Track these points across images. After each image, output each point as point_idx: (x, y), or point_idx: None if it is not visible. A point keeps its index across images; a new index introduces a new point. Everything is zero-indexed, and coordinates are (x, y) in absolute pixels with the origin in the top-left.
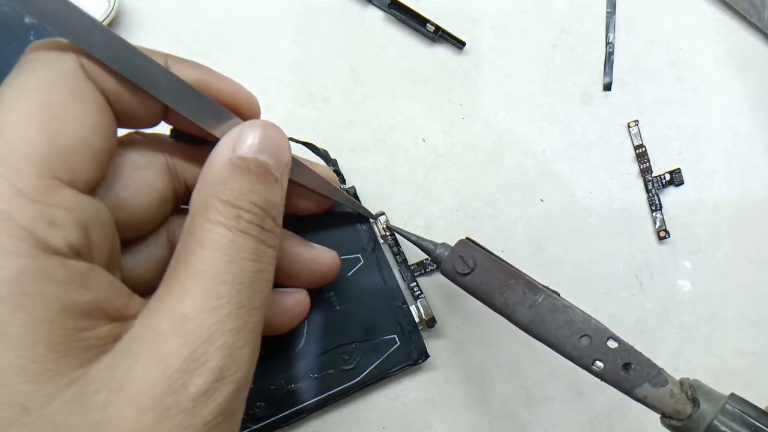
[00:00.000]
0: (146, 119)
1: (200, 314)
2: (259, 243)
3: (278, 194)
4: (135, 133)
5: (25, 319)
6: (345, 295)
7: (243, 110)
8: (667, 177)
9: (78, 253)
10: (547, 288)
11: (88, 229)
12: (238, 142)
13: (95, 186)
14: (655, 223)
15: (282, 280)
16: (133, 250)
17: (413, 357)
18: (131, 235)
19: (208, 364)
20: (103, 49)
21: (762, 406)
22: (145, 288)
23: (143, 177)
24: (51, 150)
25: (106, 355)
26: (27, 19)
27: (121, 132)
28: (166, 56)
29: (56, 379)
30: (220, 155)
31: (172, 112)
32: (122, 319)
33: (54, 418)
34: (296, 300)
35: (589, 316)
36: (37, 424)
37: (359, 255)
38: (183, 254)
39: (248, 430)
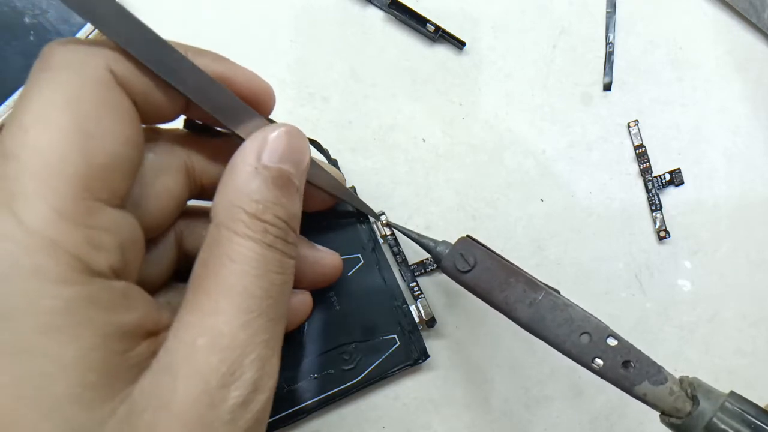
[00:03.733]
0: (168, 115)
1: (234, 329)
2: (284, 256)
3: (298, 205)
4: (153, 130)
5: (77, 348)
6: (345, 295)
7: (260, 101)
8: (667, 177)
9: (117, 274)
10: (547, 286)
11: (125, 249)
12: (262, 149)
13: (126, 198)
14: (655, 223)
15: None
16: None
17: (413, 357)
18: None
19: (245, 377)
20: (131, 40)
21: (762, 405)
22: (152, 287)
23: (162, 183)
24: (87, 167)
25: (147, 372)
26: (27, 19)
27: None
28: (186, 48)
29: (106, 404)
30: (244, 163)
31: (193, 106)
32: (157, 333)
33: None
34: (300, 301)
35: (589, 313)
36: None
37: (359, 255)
38: (211, 267)
39: None
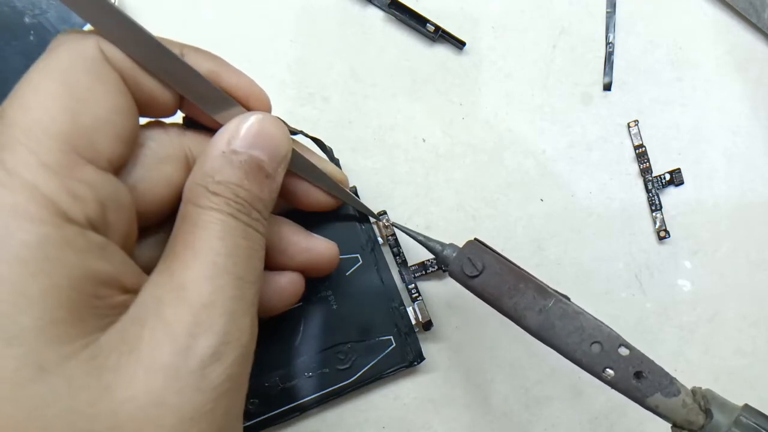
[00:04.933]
0: (163, 107)
1: (200, 282)
2: (247, 226)
3: (267, 190)
4: (157, 123)
5: (46, 283)
6: (342, 295)
7: (252, 105)
8: (667, 177)
9: (94, 227)
10: (558, 292)
11: (106, 207)
12: (233, 135)
13: (118, 166)
14: (655, 223)
15: (279, 268)
16: (143, 235)
17: (408, 359)
18: (144, 223)
19: (213, 328)
20: (118, 32)
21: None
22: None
23: (162, 171)
24: (74, 127)
25: (116, 323)
26: (27, 19)
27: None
28: (182, 46)
29: (72, 342)
30: (214, 147)
31: (186, 101)
32: (134, 292)
33: (68, 379)
34: (290, 280)
35: (601, 322)
36: (52, 384)
37: (358, 255)
38: (180, 235)
39: None
